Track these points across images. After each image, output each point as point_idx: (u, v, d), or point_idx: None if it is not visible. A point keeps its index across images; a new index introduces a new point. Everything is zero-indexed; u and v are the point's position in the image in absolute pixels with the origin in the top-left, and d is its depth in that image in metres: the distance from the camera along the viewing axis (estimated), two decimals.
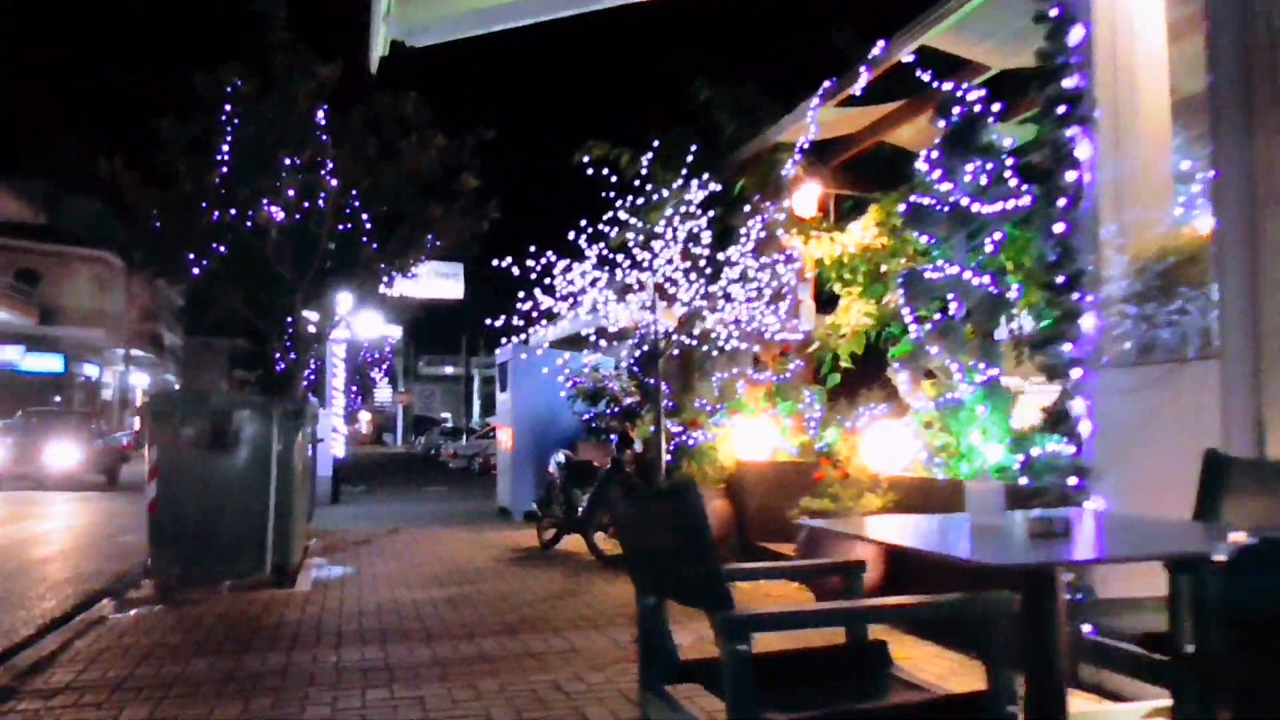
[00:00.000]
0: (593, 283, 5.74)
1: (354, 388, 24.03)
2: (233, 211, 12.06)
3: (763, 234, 9.18)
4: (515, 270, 7.12)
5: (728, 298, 6.85)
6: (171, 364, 50.24)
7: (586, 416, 13.15)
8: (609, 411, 12.88)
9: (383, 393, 62.65)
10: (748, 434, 9.07)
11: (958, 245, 6.37)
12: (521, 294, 6.13)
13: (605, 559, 8.95)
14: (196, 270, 12.12)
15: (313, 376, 16.61)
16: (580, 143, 10.75)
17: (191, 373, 51.35)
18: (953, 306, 6.37)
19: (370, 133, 13.15)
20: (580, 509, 9.47)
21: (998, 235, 6.16)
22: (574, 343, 17.74)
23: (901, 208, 6.62)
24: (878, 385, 9.73)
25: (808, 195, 9.49)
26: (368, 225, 13.03)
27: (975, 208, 6.15)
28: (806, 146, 8.76)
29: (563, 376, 13.06)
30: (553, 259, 6.38)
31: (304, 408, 7.86)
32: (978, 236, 6.27)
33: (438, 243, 13.39)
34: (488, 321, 9.01)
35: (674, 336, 12.30)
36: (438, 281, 48.07)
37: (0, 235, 33.61)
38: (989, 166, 6.20)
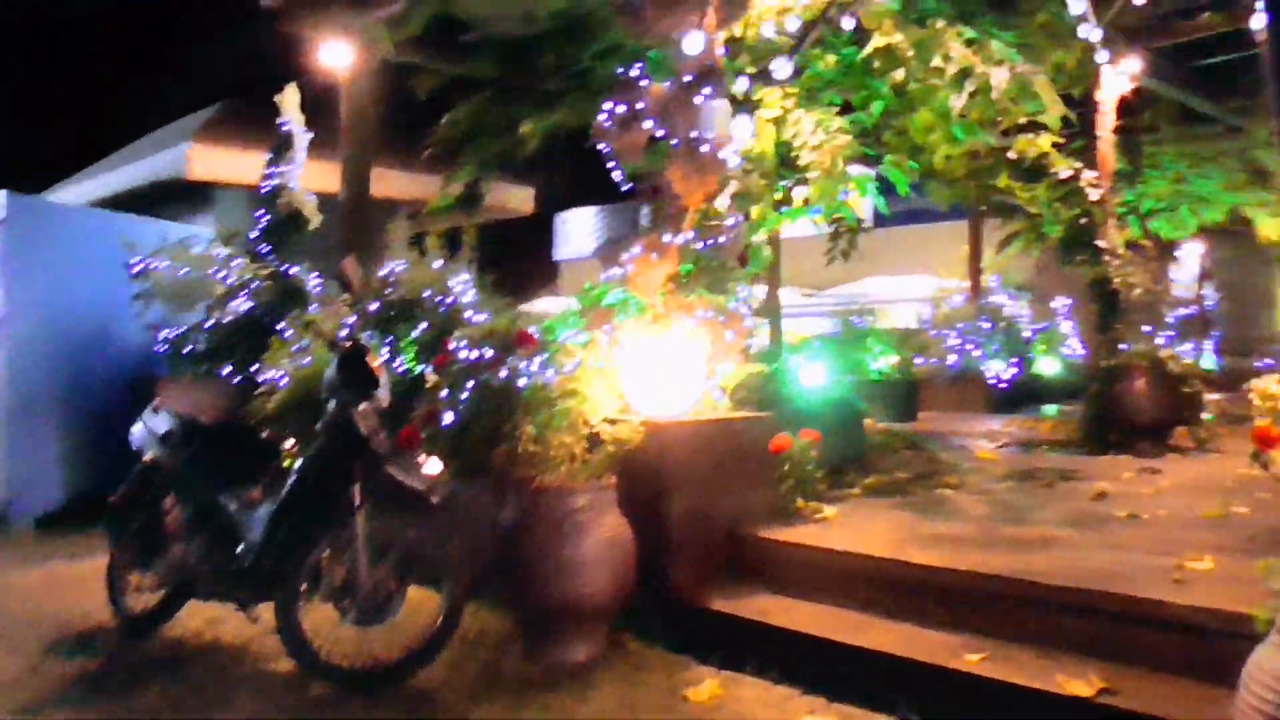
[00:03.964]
0: None
1: None
2: None
3: None
4: None
5: None
6: None
7: (169, 335, 7.12)
8: (208, 326, 6.99)
9: None
10: (654, 361, 4.14)
11: None
12: None
13: (346, 680, 3.55)
14: None
15: None
16: None
17: None
18: None
19: None
20: (246, 544, 3.84)
21: None
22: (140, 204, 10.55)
23: None
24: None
25: None
26: None
27: None
28: None
29: (130, 262, 6.80)
30: None
31: None
32: None
33: None
34: None
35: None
36: None
37: None
38: None
